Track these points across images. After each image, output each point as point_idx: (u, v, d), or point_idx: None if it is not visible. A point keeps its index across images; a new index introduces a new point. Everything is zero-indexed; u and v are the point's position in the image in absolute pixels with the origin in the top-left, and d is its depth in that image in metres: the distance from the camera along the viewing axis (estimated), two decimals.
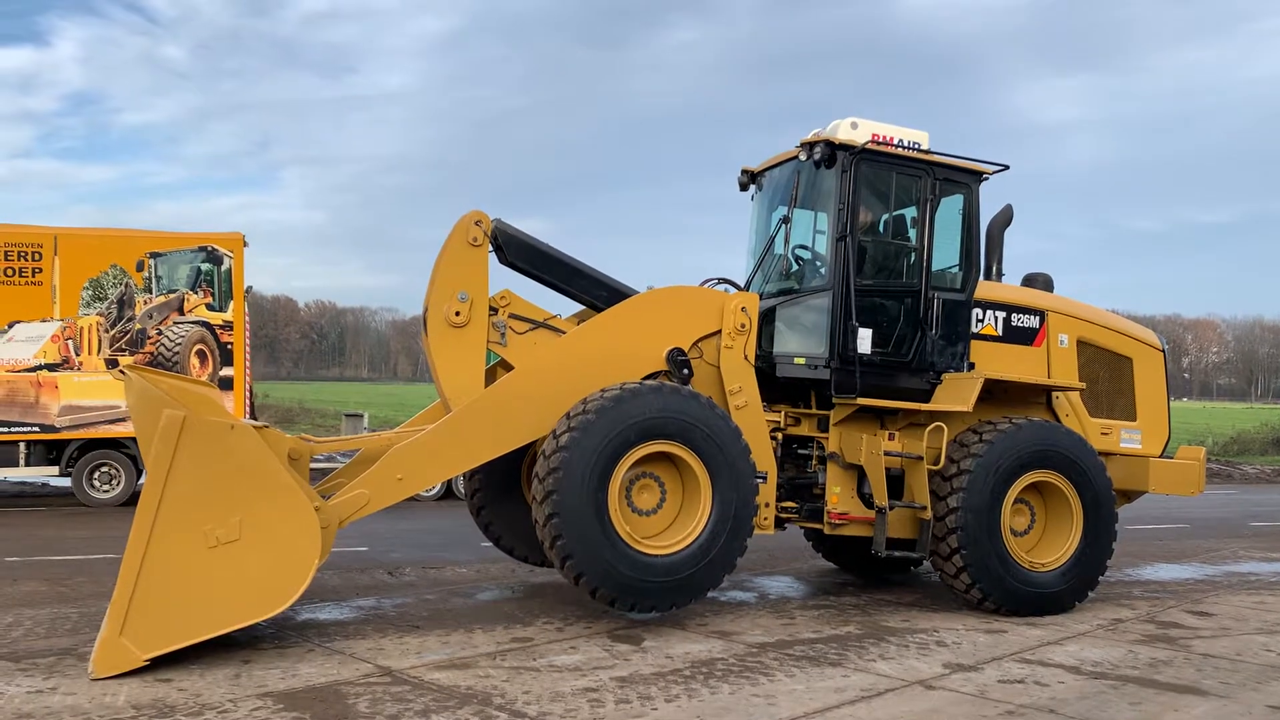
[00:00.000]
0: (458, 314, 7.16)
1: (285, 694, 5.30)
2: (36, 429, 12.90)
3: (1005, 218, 8.52)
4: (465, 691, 5.38)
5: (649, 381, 6.97)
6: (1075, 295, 8.80)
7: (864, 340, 7.52)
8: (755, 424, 7.33)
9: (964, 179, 8.02)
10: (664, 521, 6.93)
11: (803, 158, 7.82)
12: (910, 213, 7.95)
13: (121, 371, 6.47)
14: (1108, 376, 8.57)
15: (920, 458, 7.44)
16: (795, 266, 8.21)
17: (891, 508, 7.41)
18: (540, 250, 7.60)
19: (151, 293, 13.37)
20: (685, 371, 7.28)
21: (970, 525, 7.26)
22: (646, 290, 7.77)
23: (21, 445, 12.94)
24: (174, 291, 13.47)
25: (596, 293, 7.73)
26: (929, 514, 7.41)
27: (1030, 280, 8.79)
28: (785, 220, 8.11)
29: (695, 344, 7.41)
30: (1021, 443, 7.46)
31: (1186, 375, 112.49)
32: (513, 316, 7.48)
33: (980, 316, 8.03)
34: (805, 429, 7.87)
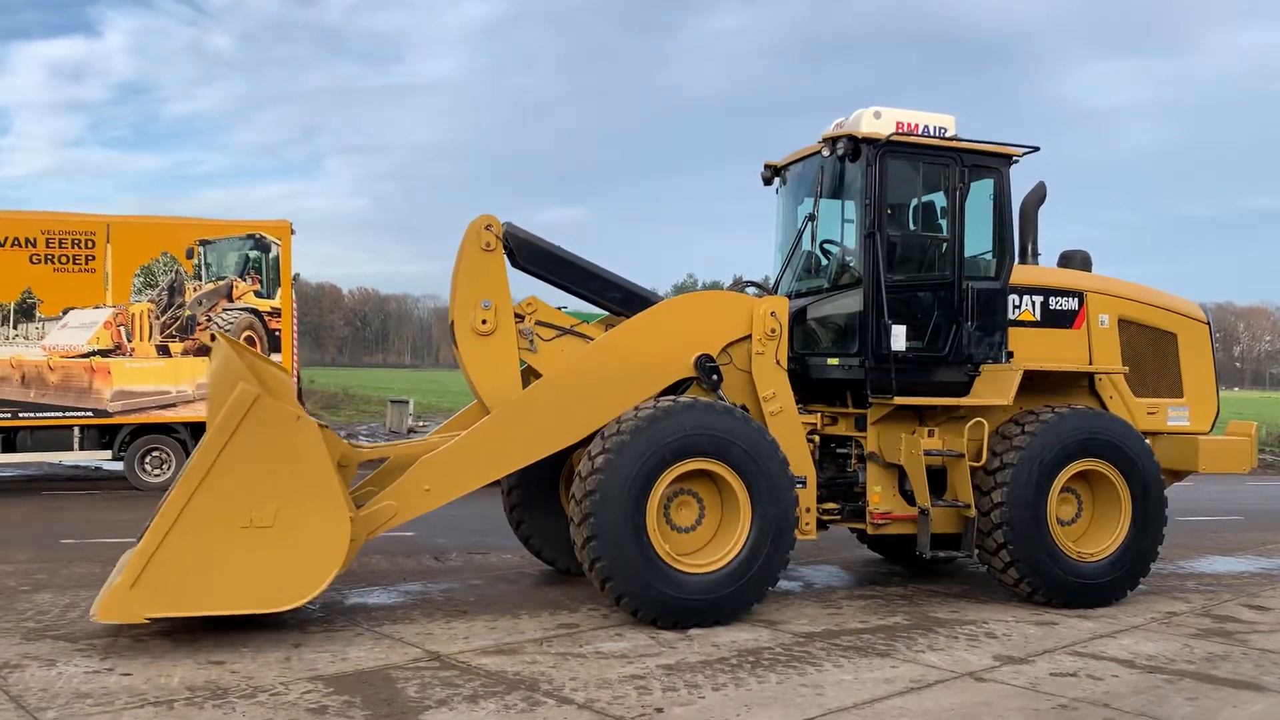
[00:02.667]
0: (484, 322, 7.10)
1: (335, 677, 5.36)
2: (90, 414, 13.13)
3: (1038, 196, 8.28)
4: (513, 677, 5.40)
5: (683, 398, 6.87)
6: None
7: (898, 337, 7.34)
8: (791, 429, 7.22)
9: (993, 163, 7.77)
10: (704, 538, 6.84)
11: (825, 153, 7.63)
12: (940, 201, 7.77)
13: (212, 337, 6.56)
14: (1152, 354, 8.32)
15: (961, 454, 7.30)
16: (824, 264, 8.04)
17: (934, 506, 7.30)
18: (552, 253, 7.47)
19: (201, 280, 13.55)
20: (715, 378, 7.14)
21: (1016, 519, 7.13)
22: (674, 295, 7.65)
23: (76, 430, 13.19)
24: (223, 278, 13.64)
25: (609, 294, 7.59)
26: (973, 511, 7.28)
27: (1067, 259, 8.54)
28: (811, 218, 7.90)
29: (725, 349, 7.27)
30: (1065, 432, 7.30)
31: (1239, 364, 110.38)
32: (539, 324, 7.39)
33: (1017, 302, 7.81)
34: (843, 428, 7.74)
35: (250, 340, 13.49)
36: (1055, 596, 7.31)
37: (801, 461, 7.17)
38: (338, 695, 5.05)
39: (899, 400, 7.32)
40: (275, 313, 13.70)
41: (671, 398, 6.83)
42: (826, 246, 8.03)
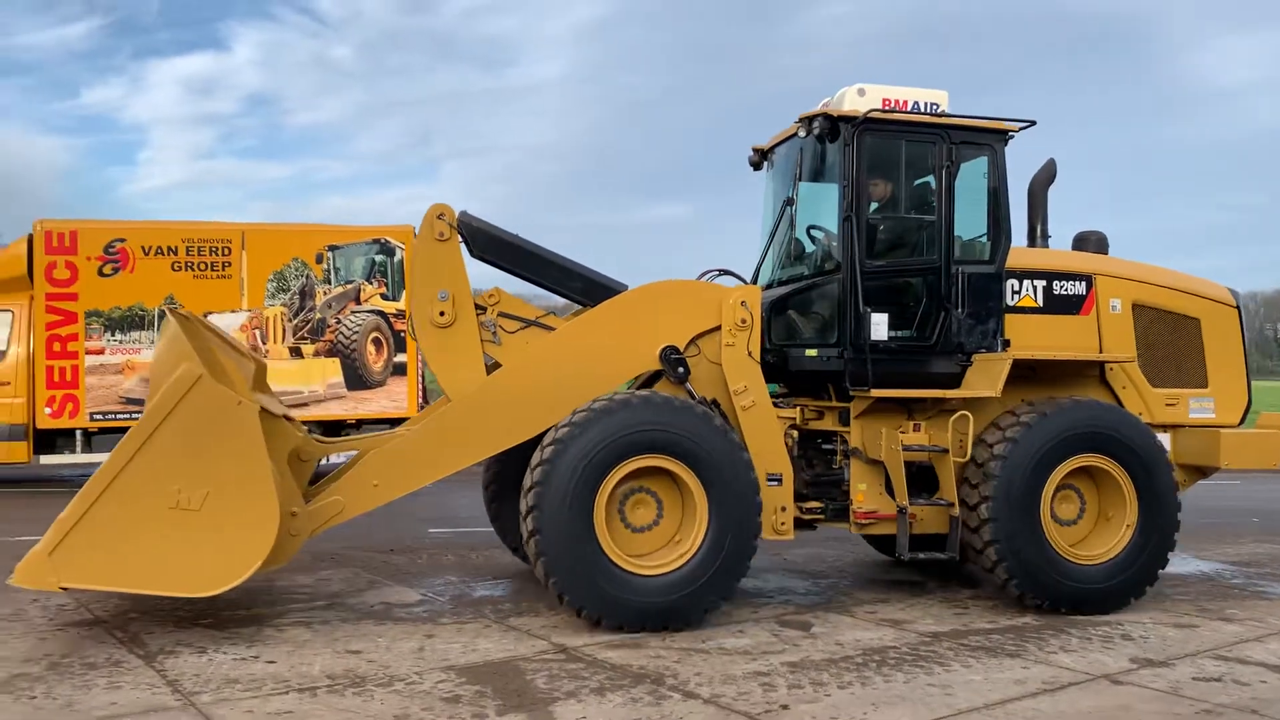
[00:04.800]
0: (442, 314, 6.85)
1: (467, 668, 5.51)
2: None
3: (1047, 175, 7.75)
4: (638, 671, 5.47)
5: (641, 391, 6.66)
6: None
7: (879, 326, 6.93)
8: (765, 424, 6.86)
9: (986, 140, 7.24)
10: (662, 538, 6.54)
11: (802, 134, 7.27)
12: (927, 182, 7.32)
13: (164, 311, 6.45)
14: (1172, 341, 7.64)
15: (945, 450, 6.84)
16: (805, 251, 7.67)
17: (914, 505, 6.87)
18: (507, 241, 7.20)
19: (330, 283, 14.07)
20: (680, 370, 6.81)
21: (1003, 516, 6.65)
22: (639, 285, 7.30)
23: None
24: (351, 282, 14.13)
25: (571, 284, 7.26)
26: (956, 510, 6.82)
27: (1081, 241, 7.97)
28: (789, 202, 7.55)
29: (694, 341, 6.91)
30: (1062, 425, 6.79)
31: None
32: (503, 315, 7.14)
33: (1016, 288, 7.29)
34: (829, 423, 7.32)
35: (377, 341, 13.97)
36: (1047, 600, 6.81)
37: (777, 458, 6.84)
38: (470, 685, 5.19)
39: (876, 392, 6.88)
40: (401, 314, 14.12)
41: (627, 392, 6.60)
42: (813, 232, 7.64)
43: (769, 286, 7.75)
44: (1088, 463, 6.90)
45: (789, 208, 7.52)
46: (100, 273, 13.04)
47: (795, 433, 7.18)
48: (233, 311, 13.78)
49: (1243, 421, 7.89)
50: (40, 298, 12.60)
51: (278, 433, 6.54)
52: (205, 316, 13.57)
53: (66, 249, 12.59)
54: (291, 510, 6.33)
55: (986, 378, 6.91)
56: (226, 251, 13.73)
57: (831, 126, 7.05)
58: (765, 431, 6.85)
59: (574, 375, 6.67)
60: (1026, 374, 7.13)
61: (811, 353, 7.15)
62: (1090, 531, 7.11)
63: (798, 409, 7.26)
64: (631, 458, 6.33)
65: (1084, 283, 7.47)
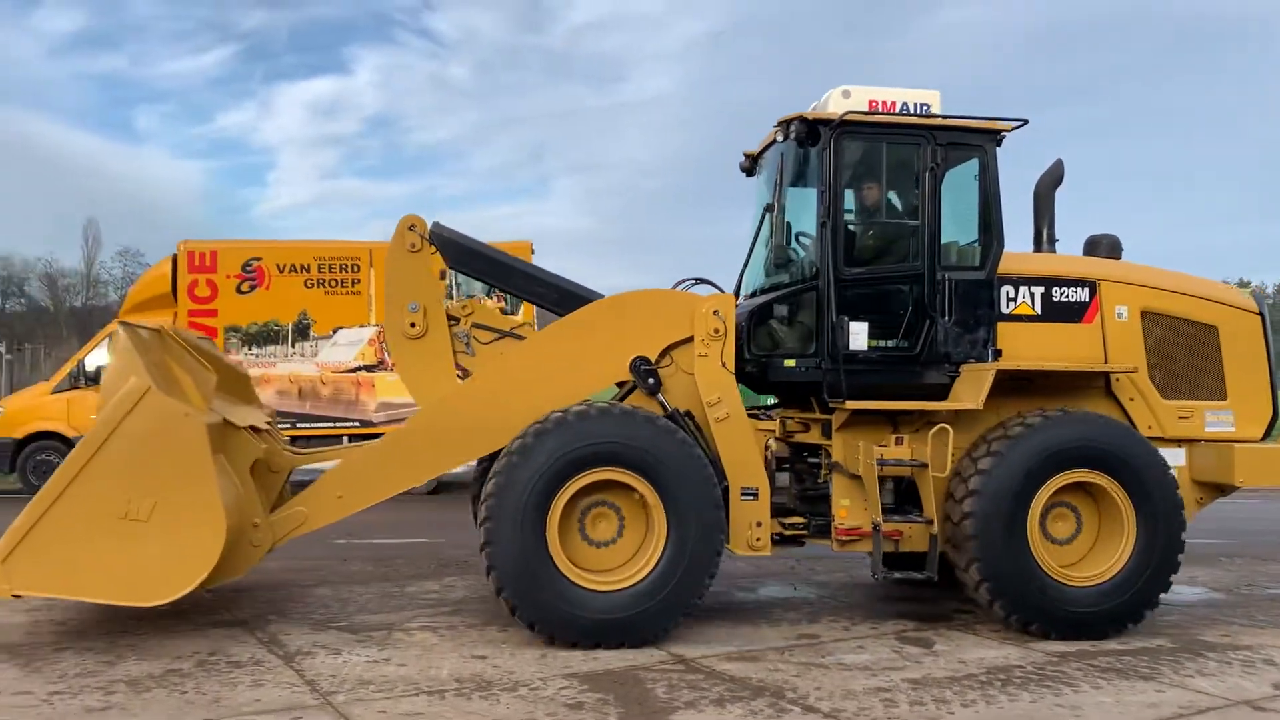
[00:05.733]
0: (413, 325, 6.89)
1: (588, 675, 5.62)
2: (356, 424, 14.32)
3: (1054, 176, 7.37)
4: (757, 684, 5.49)
5: (600, 403, 6.50)
6: None
7: (857, 335, 6.70)
8: (740, 437, 6.63)
9: (976, 140, 6.91)
10: (625, 553, 6.40)
11: (780, 138, 7.01)
12: (912, 186, 7.01)
13: (120, 324, 6.40)
14: (1187, 350, 7.17)
15: (924, 464, 6.53)
16: (788, 258, 7.36)
17: (886, 522, 6.57)
18: (477, 252, 7.20)
19: (452, 298, 14.47)
20: (651, 381, 6.66)
21: (987, 536, 6.33)
22: (611, 295, 7.17)
23: (345, 439, 14.38)
24: (472, 296, 14.51)
25: (540, 292, 7.22)
26: (935, 528, 6.52)
27: (1093, 245, 7.53)
28: (769, 208, 7.33)
29: (667, 352, 6.74)
30: (1049, 440, 6.44)
31: None
32: (476, 326, 7.13)
33: (1012, 295, 6.94)
34: (815, 436, 7.07)
35: None
36: (1036, 623, 6.45)
37: (752, 472, 6.62)
38: (591, 692, 5.30)
39: (851, 404, 6.64)
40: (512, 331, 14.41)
41: (584, 404, 6.40)
42: (803, 239, 7.34)
43: (753, 295, 7.58)
44: (1080, 478, 6.55)
45: (769, 214, 7.36)
46: (238, 290, 13.74)
47: (775, 445, 6.98)
48: (361, 326, 14.32)
49: (1268, 435, 7.34)
50: (183, 314, 13.34)
51: (238, 444, 6.57)
52: (335, 332, 14.22)
53: (207, 268, 13.30)
54: (254, 521, 6.48)
55: (972, 389, 6.62)
56: (355, 269, 14.28)
57: (809, 130, 6.84)
58: (740, 444, 6.64)
59: (543, 386, 6.58)
60: (1023, 386, 6.86)
61: (790, 363, 6.91)
62: (1089, 552, 6.73)
63: (778, 421, 7.10)
64: (585, 471, 6.23)
65: (1087, 289, 7.06)
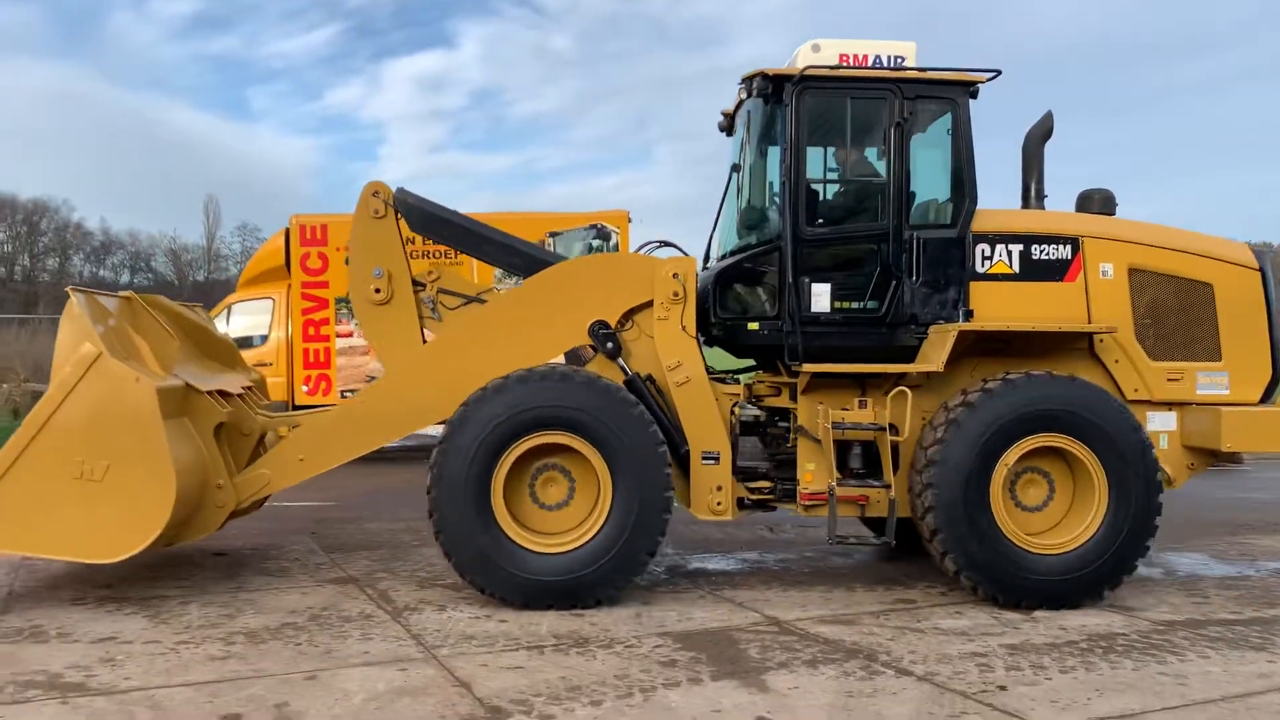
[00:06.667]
0: (377, 291, 6.90)
1: (682, 634, 5.71)
2: None
3: (1044, 130, 7.00)
4: (850, 646, 5.50)
5: (544, 367, 6.44)
6: None
7: (819, 297, 6.54)
8: (701, 401, 6.58)
9: (947, 93, 6.64)
10: (576, 517, 6.39)
11: (743, 95, 6.79)
12: (878, 141, 6.76)
13: (69, 291, 6.44)
14: (1178, 309, 6.80)
15: (881, 428, 6.40)
16: (754, 220, 7.17)
17: (840, 486, 6.39)
18: (441, 218, 7.11)
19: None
20: (610, 345, 6.62)
21: (947, 503, 6.15)
22: (571, 259, 7.11)
23: None
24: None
25: (510, 260, 7.21)
26: (894, 492, 6.37)
27: (1085, 201, 7.11)
28: (735, 168, 7.09)
29: (629, 316, 6.71)
30: (1015, 403, 6.18)
31: None
32: (443, 291, 7.09)
33: (988, 253, 6.66)
34: (784, 400, 6.92)
35: None
36: (1003, 593, 6.22)
37: (713, 436, 6.56)
38: (685, 651, 5.39)
39: (809, 367, 6.46)
40: None
41: (526, 369, 6.35)
42: (755, 200, 7.16)
43: (722, 258, 7.41)
44: (1046, 443, 6.28)
45: (735, 173, 7.16)
46: (348, 262, 14.12)
47: (738, 410, 6.86)
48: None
49: (1268, 398, 6.89)
50: (296, 286, 13.80)
51: (201, 408, 6.67)
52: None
53: (318, 240, 13.72)
54: (217, 482, 6.64)
55: (937, 351, 6.39)
56: None
57: (773, 86, 6.66)
58: (701, 408, 6.58)
59: (502, 350, 6.58)
60: (1000, 348, 6.59)
61: (753, 326, 6.78)
62: (1062, 519, 6.46)
63: (743, 385, 6.97)
64: (526, 436, 6.22)
65: (1069, 246, 6.72)
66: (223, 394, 6.97)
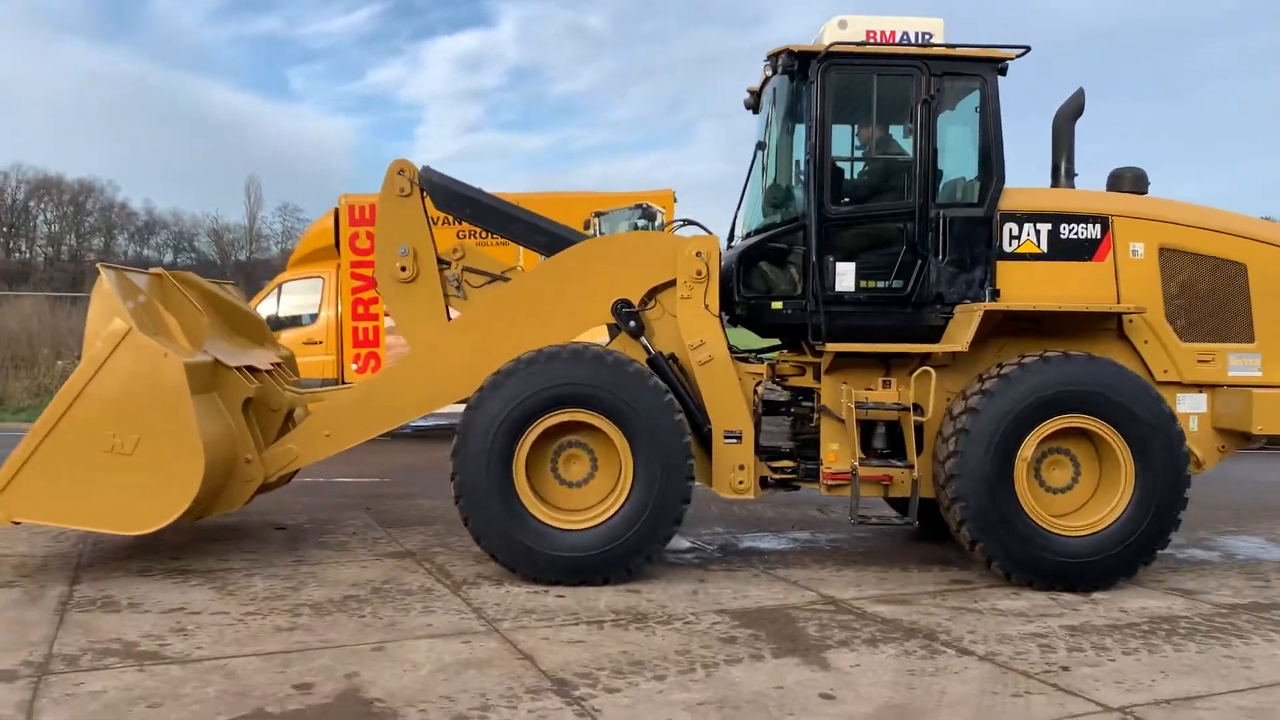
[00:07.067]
0: (403, 269, 6.95)
1: (739, 612, 5.75)
2: None
3: (1074, 107, 6.88)
4: (909, 625, 5.51)
5: (569, 345, 6.44)
6: None
7: (844, 276, 6.51)
8: (724, 380, 6.58)
9: (975, 70, 6.55)
10: (597, 494, 6.44)
11: (769, 72, 6.74)
12: (906, 119, 6.68)
13: (99, 267, 6.53)
14: (1211, 289, 6.68)
15: (905, 408, 6.37)
16: (780, 198, 7.09)
17: (862, 466, 6.37)
18: (466, 196, 7.14)
19: None
20: (633, 324, 6.64)
21: (971, 487, 6.11)
22: (595, 238, 7.07)
23: None
24: None
25: (534, 238, 7.18)
26: (916, 473, 6.35)
27: (1116, 179, 6.98)
28: (761, 146, 7.06)
29: (652, 295, 6.71)
30: (1037, 384, 6.11)
31: None
32: (467, 270, 7.14)
33: (1015, 232, 6.58)
34: (808, 379, 6.90)
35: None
36: (1030, 576, 6.19)
37: (736, 415, 6.55)
38: (743, 628, 5.42)
39: (832, 347, 6.44)
40: None
41: (544, 348, 6.36)
42: (780, 179, 7.09)
43: (747, 236, 7.38)
44: (1072, 424, 6.21)
45: (761, 152, 7.14)
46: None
47: (762, 389, 6.85)
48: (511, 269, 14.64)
49: None
50: (346, 265, 13.92)
51: (230, 383, 6.75)
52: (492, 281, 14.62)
53: (367, 220, 13.78)
54: (245, 457, 6.72)
55: (962, 331, 6.33)
56: None
57: (798, 63, 6.60)
58: (724, 387, 6.58)
59: (526, 328, 6.61)
60: (1028, 328, 6.51)
61: (777, 305, 6.76)
62: (1088, 500, 6.40)
63: (765, 364, 6.96)
64: (546, 414, 6.27)
65: (1099, 225, 6.63)
66: (251, 370, 7.09)
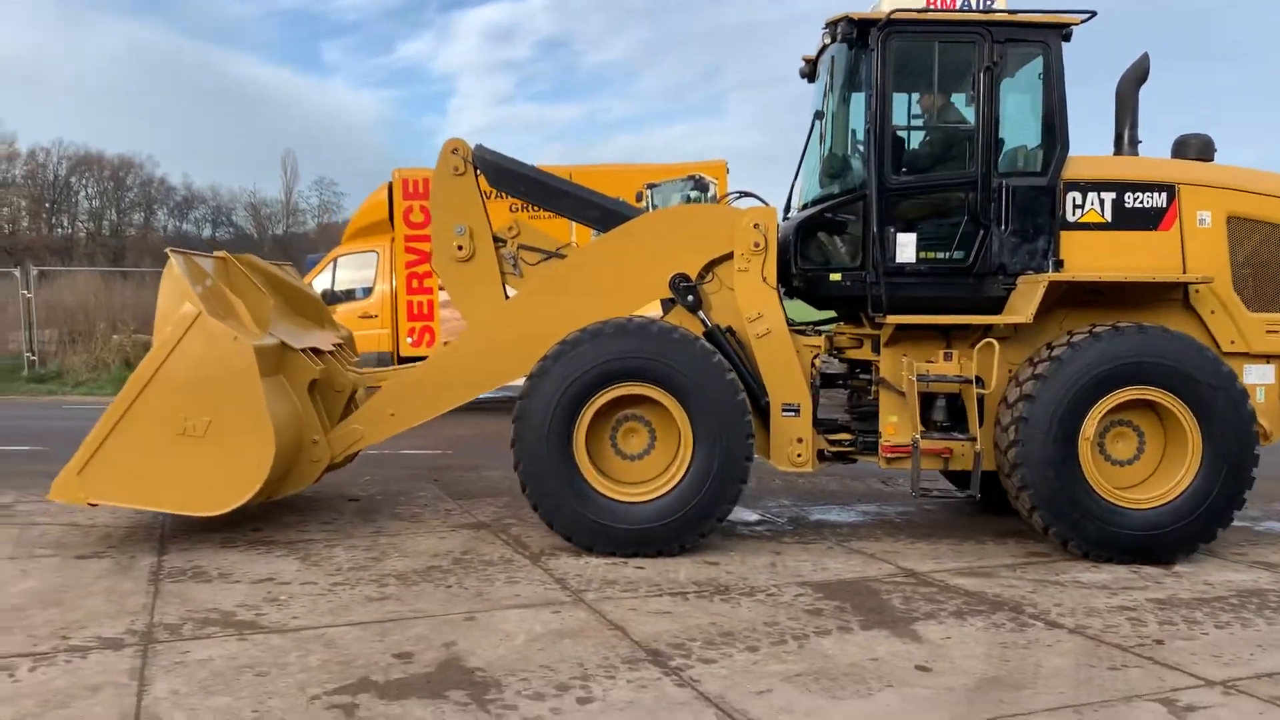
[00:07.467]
0: (460, 248, 6.98)
1: (820, 584, 5.77)
2: None
3: (1138, 72, 6.71)
4: (994, 598, 5.51)
5: (629, 318, 6.45)
6: None
7: (905, 247, 6.44)
8: (781, 353, 6.57)
9: (1038, 36, 6.42)
10: (656, 467, 6.46)
11: (827, 40, 6.64)
12: (967, 87, 6.58)
13: (168, 252, 6.57)
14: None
15: (967, 380, 6.33)
16: (838, 168, 7.01)
17: (924, 439, 6.36)
18: (519, 173, 7.16)
19: None
20: (690, 299, 6.63)
21: (1035, 460, 6.08)
22: (651, 212, 6.91)
23: None
24: None
25: (587, 213, 7.21)
26: (979, 445, 6.32)
27: (1181, 146, 6.83)
28: (818, 115, 6.98)
29: (710, 269, 6.69)
30: (1101, 356, 6.06)
31: None
32: (523, 247, 7.15)
33: (1079, 201, 6.47)
34: (866, 351, 6.87)
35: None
36: (1094, 549, 6.16)
37: (794, 388, 6.56)
38: (828, 600, 5.44)
39: (894, 319, 6.40)
40: None
41: (603, 321, 6.38)
42: (838, 149, 7.00)
43: (804, 207, 7.30)
44: (1138, 396, 6.14)
45: (818, 121, 7.07)
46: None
47: (819, 362, 6.82)
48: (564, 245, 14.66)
49: None
50: (400, 239, 14.00)
51: (296, 365, 6.82)
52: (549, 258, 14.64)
53: (420, 194, 13.85)
54: (313, 438, 6.81)
55: (1025, 302, 6.27)
56: None
57: (857, 30, 6.51)
58: (781, 360, 6.57)
59: (585, 304, 6.60)
60: (1092, 298, 6.43)
61: (835, 277, 6.70)
62: (1153, 472, 6.35)
63: (824, 337, 6.91)
64: (607, 388, 6.29)
65: (1165, 194, 6.50)
66: (315, 351, 7.17)
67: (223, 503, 6.27)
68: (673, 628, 4.96)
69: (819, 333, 7.14)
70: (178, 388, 6.19)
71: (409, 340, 14.04)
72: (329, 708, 3.98)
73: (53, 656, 4.51)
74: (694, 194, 14.57)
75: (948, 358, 6.53)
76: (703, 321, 6.69)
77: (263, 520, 7.20)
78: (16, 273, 20.29)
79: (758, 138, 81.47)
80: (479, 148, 7.17)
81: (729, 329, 6.69)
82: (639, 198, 14.49)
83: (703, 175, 14.55)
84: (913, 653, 4.64)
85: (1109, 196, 6.56)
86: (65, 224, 57.56)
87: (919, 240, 6.56)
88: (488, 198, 7.34)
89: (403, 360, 14.14)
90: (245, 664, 4.44)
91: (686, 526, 6.31)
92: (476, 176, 7.14)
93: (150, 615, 5.11)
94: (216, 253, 7.23)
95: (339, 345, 7.78)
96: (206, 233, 58.29)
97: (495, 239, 7.16)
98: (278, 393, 6.54)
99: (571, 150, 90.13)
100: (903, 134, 6.83)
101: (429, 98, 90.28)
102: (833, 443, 6.85)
